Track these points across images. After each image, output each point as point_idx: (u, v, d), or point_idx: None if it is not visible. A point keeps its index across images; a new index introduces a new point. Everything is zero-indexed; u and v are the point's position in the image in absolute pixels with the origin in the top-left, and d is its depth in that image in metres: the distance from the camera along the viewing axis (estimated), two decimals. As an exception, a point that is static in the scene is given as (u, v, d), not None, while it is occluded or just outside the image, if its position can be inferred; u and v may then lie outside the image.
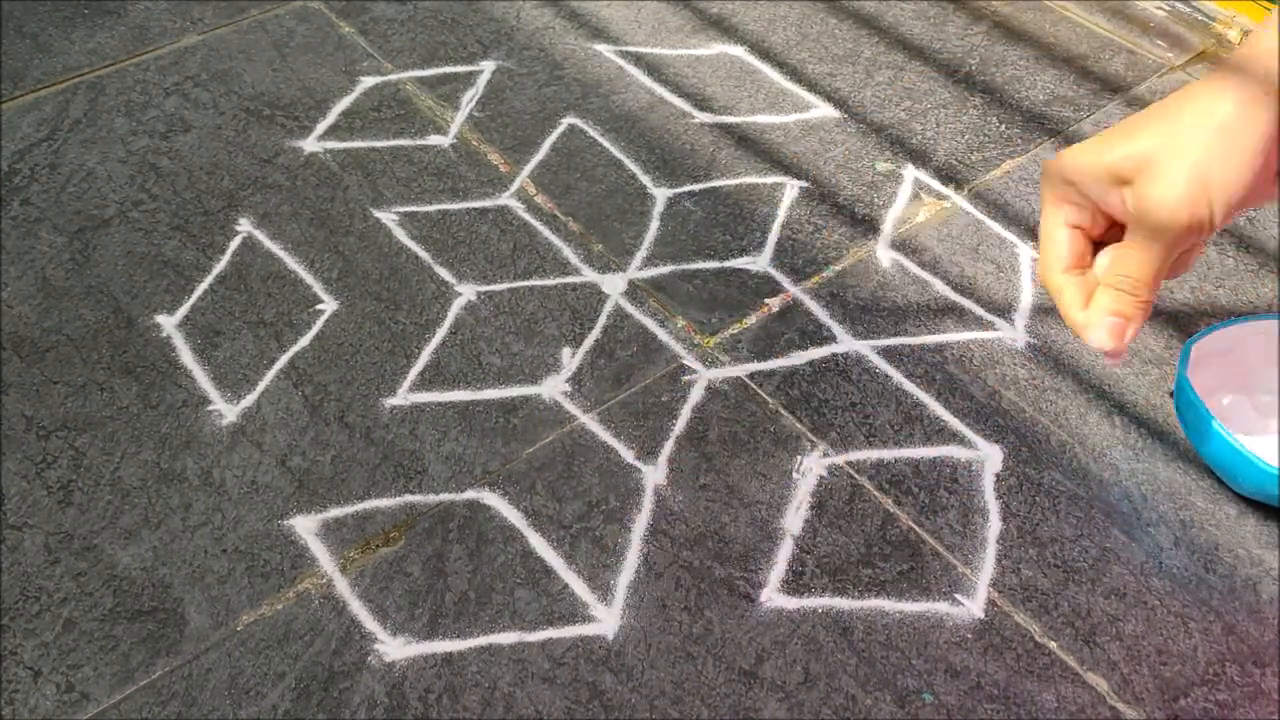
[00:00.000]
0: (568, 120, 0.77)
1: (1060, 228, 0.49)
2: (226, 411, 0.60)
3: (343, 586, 0.53)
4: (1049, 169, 0.49)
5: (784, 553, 0.54)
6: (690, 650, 0.51)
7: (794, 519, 0.56)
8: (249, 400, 0.61)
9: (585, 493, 0.57)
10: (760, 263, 0.68)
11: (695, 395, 0.61)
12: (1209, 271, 0.67)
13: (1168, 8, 0.86)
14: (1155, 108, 0.47)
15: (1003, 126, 0.77)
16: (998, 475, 0.58)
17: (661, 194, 0.72)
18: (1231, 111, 0.44)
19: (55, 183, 0.73)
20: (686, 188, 0.72)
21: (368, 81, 0.80)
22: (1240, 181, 0.44)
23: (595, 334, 0.64)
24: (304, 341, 0.64)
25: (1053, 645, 0.51)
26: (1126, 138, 0.46)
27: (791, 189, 0.72)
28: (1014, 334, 0.64)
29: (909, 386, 0.61)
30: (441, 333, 0.64)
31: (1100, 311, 0.47)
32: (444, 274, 0.67)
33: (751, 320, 0.65)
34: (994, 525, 0.56)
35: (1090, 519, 0.56)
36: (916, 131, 0.76)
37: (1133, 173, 0.46)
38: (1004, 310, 0.65)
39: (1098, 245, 0.48)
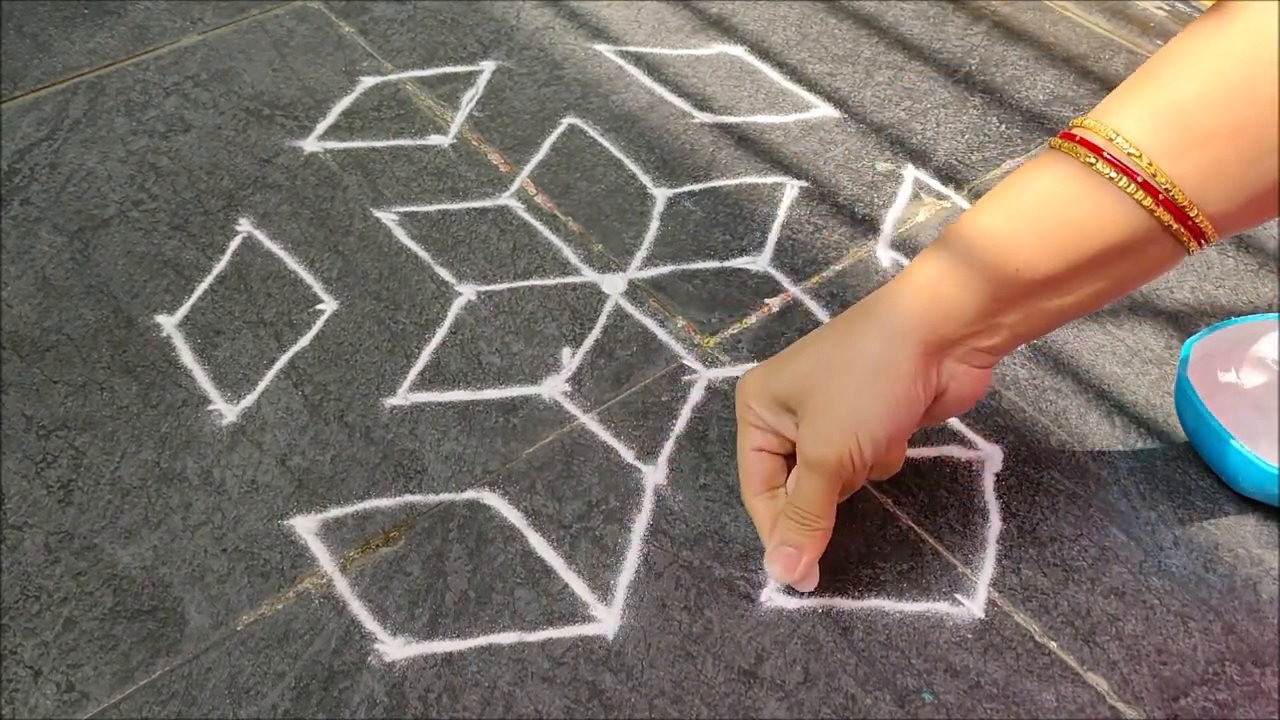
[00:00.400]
0: (568, 120, 0.77)
1: (748, 451, 0.51)
2: (226, 411, 0.60)
3: (343, 586, 0.53)
4: (738, 390, 0.51)
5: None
6: (690, 650, 0.51)
7: (794, 519, 0.56)
8: (249, 400, 0.61)
9: (585, 493, 0.57)
10: (760, 263, 0.68)
11: (695, 395, 0.61)
12: (1209, 271, 0.67)
13: (1168, 8, 0.86)
14: (815, 337, 0.49)
15: (1003, 126, 0.77)
16: (998, 475, 0.58)
17: (661, 194, 0.72)
18: (876, 352, 0.47)
19: (55, 182, 0.73)
20: (686, 188, 0.72)
21: (368, 81, 0.80)
22: (888, 420, 0.46)
23: (595, 334, 0.64)
24: (304, 341, 0.64)
25: (1053, 645, 0.51)
26: (791, 364, 0.49)
27: (791, 189, 0.72)
28: (1014, 334, 0.64)
29: (909, 386, 0.61)
30: (441, 332, 0.64)
31: (775, 542, 0.50)
32: (444, 274, 0.67)
33: (752, 320, 0.65)
34: (994, 525, 0.56)
35: (1090, 518, 0.56)
36: (916, 131, 0.76)
37: (795, 405, 0.48)
38: (1004, 310, 0.65)
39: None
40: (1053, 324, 0.48)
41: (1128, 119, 0.43)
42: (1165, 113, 0.42)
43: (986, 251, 0.45)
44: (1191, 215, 0.43)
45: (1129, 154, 0.43)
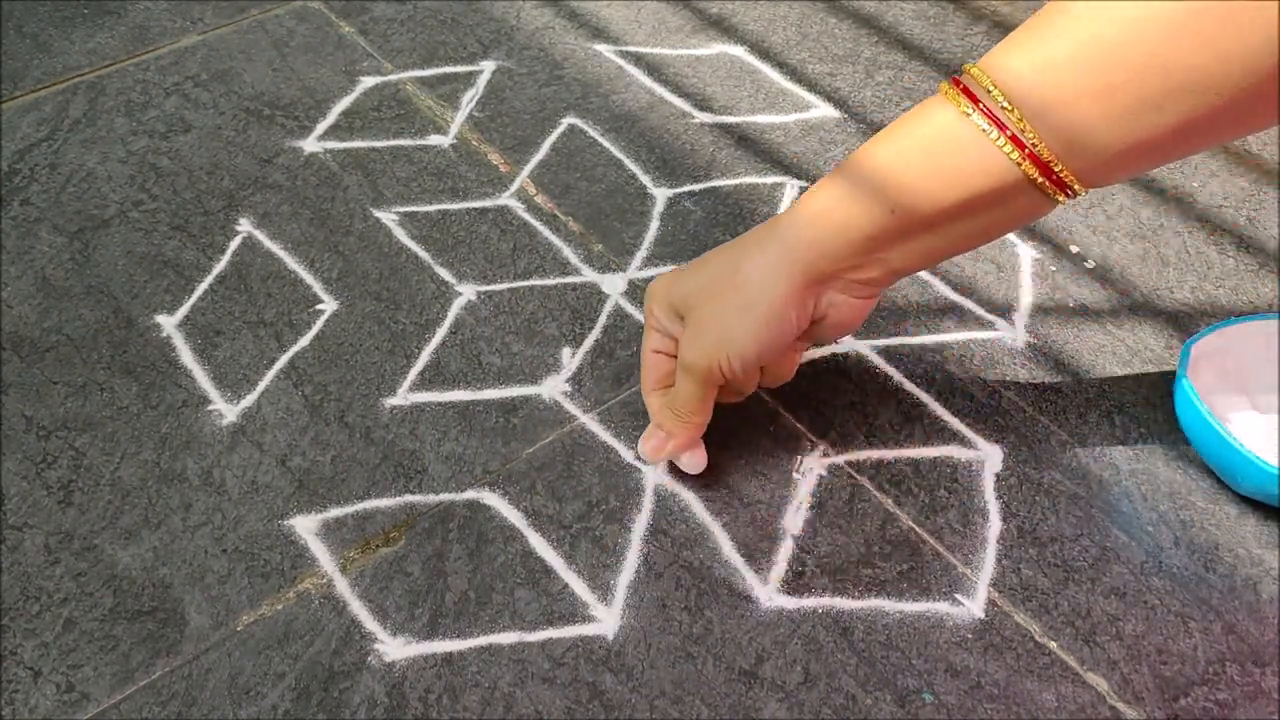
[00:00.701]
0: (568, 120, 0.77)
1: (649, 351, 0.56)
2: (226, 411, 0.60)
3: (343, 586, 0.53)
4: (646, 293, 0.55)
5: (784, 553, 0.54)
6: (690, 650, 0.51)
7: (794, 519, 0.56)
8: (249, 400, 0.61)
9: (585, 493, 0.57)
10: (760, 263, 0.68)
11: (695, 395, 0.61)
12: (1209, 271, 0.67)
13: (1168, 7, 0.86)
14: (716, 253, 0.53)
15: (1003, 126, 0.77)
16: (998, 475, 0.58)
17: (661, 194, 0.72)
18: (757, 281, 0.50)
19: (55, 183, 0.73)
20: (686, 187, 0.72)
21: (368, 81, 0.80)
22: (754, 341, 0.50)
23: (595, 334, 0.64)
24: (304, 341, 0.64)
25: (1053, 645, 0.51)
26: (688, 279, 0.53)
27: (791, 189, 0.72)
28: (1014, 334, 0.64)
29: (909, 386, 0.61)
30: (441, 333, 0.64)
31: (652, 426, 0.56)
32: (444, 274, 0.67)
33: (751, 320, 0.65)
34: (994, 525, 0.56)
35: (1090, 519, 0.56)
36: (916, 131, 0.76)
37: (684, 314, 0.53)
38: (1004, 310, 0.65)
39: None
40: (927, 262, 0.50)
41: (1009, 70, 0.45)
42: (1042, 68, 0.44)
43: (872, 187, 0.48)
44: (1056, 170, 0.45)
45: (1003, 107, 0.45)
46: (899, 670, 0.50)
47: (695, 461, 0.56)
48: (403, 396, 0.61)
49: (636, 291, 0.66)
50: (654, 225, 0.70)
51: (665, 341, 0.55)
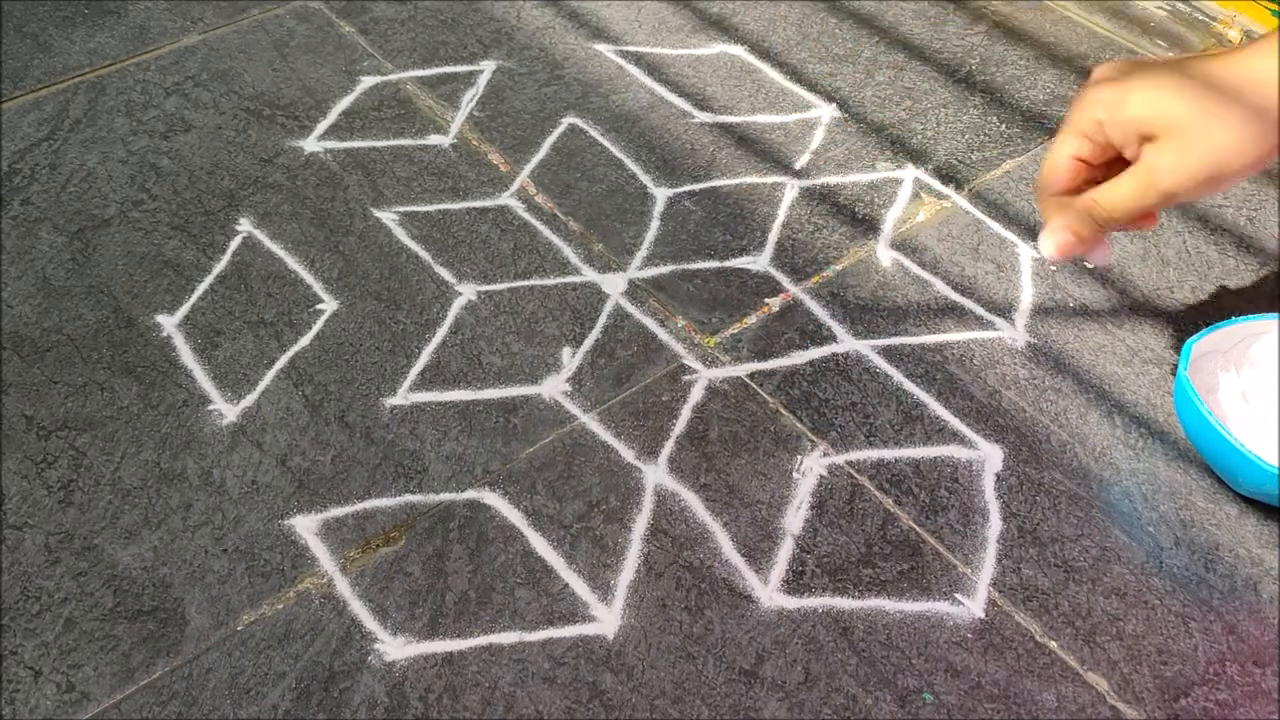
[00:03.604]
0: (568, 120, 0.77)
1: (1066, 155, 0.51)
2: (227, 411, 0.60)
3: (343, 586, 0.53)
4: (1085, 99, 0.50)
5: (784, 552, 0.54)
6: (690, 650, 0.51)
7: (794, 519, 0.56)
8: (249, 400, 0.61)
9: (585, 492, 0.57)
10: (760, 262, 0.68)
11: (695, 395, 0.61)
12: (1209, 271, 0.67)
13: (1168, 8, 0.86)
14: (1197, 67, 0.48)
15: (1003, 126, 0.77)
16: (998, 475, 0.58)
17: (662, 194, 0.72)
18: (1257, 99, 0.46)
19: (55, 183, 0.73)
20: (687, 187, 0.72)
21: (368, 81, 0.80)
22: (1246, 170, 0.47)
23: (595, 334, 0.64)
24: (304, 341, 0.64)
25: (1053, 645, 0.51)
26: (1162, 95, 0.48)
27: (791, 189, 0.72)
28: (1014, 334, 0.64)
29: (909, 386, 0.61)
30: (442, 332, 0.64)
31: (1061, 225, 0.51)
32: (444, 274, 0.67)
33: (752, 320, 0.65)
34: (994, 525, 0.56)
35: (1090, 519, 0.56)
36: (916, 131, 0.76)
37: (1159, 133, 0.48)
38: (1004, 310, 0.65)
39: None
40: None
41: None
42: None
43: None
44: None
45: None
46: (899, 670, 0.50)
47: (1105, 255, 0.52)
48: (403, 396, 0.61)
49: (637, 291, 0.66)
50: (654, 225, 0.70)
51: (1094, 150, 0.50)
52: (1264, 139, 0.47)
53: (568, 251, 0.68)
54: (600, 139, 0.76)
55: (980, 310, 0.65)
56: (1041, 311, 0.65)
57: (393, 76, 0.80)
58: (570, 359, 0.63)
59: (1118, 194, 0.49)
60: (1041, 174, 0.52)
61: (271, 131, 0.76)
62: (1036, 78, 0.80)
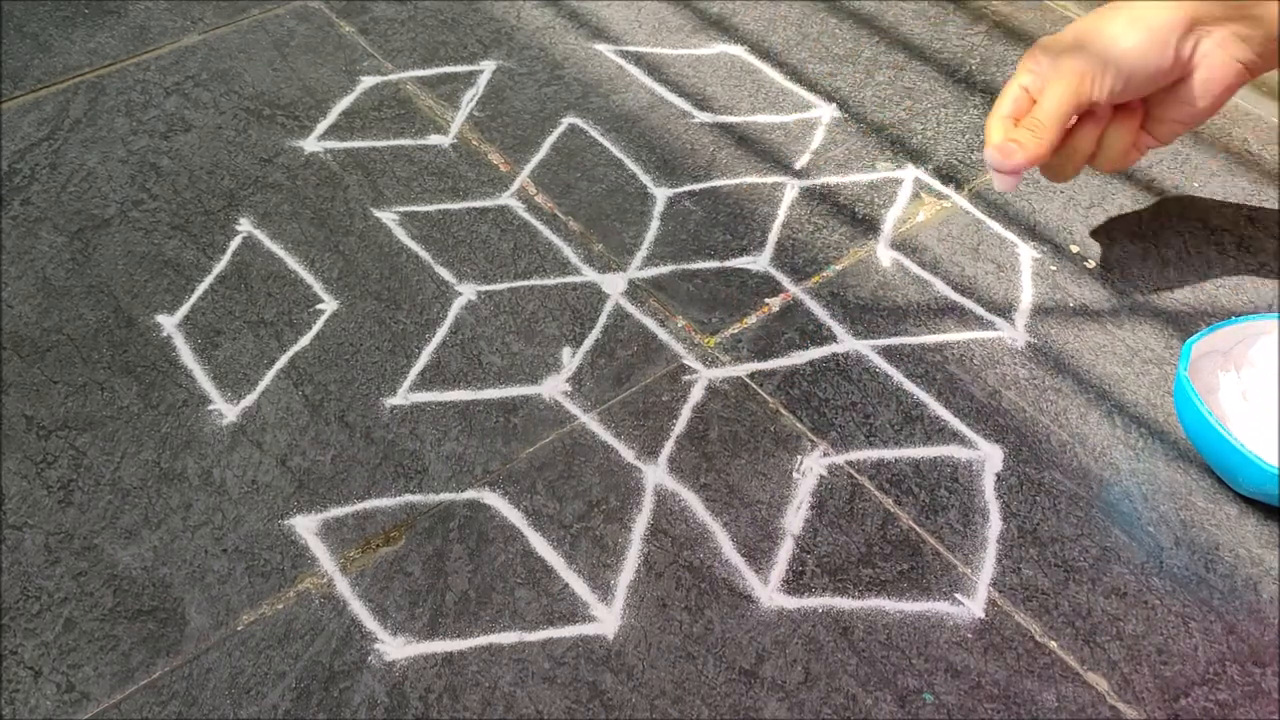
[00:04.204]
0: (568, 120, 0.77)
1: (1015, 84, 0.59)
2: (227, 411, 0.60)
3: (343, 586, 0.53)
4: (1034, 47, 0.59)
5: (784, 552, 0.54)
6: (690, 650, 0.51)
7: (794, 519, 0.56)
8: (249, 400, 0.61)
9: (585, 492, 0.57)
10: (760, 262, 0.68)
11: (695, 395, 0.61)
12: (1209, 271, 0.67)
13: (1168, 8, 0.86)
14: (1108, 8, 0.58)
15: (1003, 126, 0.77)
16: (998, 475, 0.58)
17: (662, 194, 0.72)
18: (1139, 8, 0.56)
19: (55, 182, 0.73)
20: (686, 187, 0.72)
21: (368, 81, 0.80)
22: (1132, 60, 0.55)
23: (595, 334, 0.64)
24: (304, 341, 0.64)
25: (1053, 645, 0.51)
26: (1077, 22, 0.59)
27: (791, 189, 0.72)
28: (1014, 334, 0.64)
29: (909, 386, 0.61)
30: (442, 332, 0.64)
31: (1003, 134, 0.59)
32: (444, 274, 0.67)
33: (752, 320, 0.65)
34: (994, 525, 0.56)
35: (1090, 519, 0.56)
36: (916, 131, 0.76)
37: (1071, 45, 0.57)
38: (1004, 310, 0.65)
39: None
40: None
41: None
42: None
43: None
44: None
45: None
46: (899, 670, 0.50)
47: (1008, 181, 0.59)
48: (403, 396, 0.61)
49: (637, 291, 0.66)
50: (654, 225, 0.70)
51: (1036, 81, 0.58)
52: (1144, 40, 0.56)
53: (568, 251, 0.68)
54: (600, 139, 0.76)
55: (980, 310, 0.65)
56: (1041, 311, 0.65)
57: (393, 76, 0.80)
58: (570, 359, 0.63)
59: (1043, 100, 0.58)
60: (997, 102, 0.60)
61: (271, 131, 0.76)
62: (1036, 78, 0.80)
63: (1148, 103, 0.59)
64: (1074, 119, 0.58)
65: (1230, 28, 0.55)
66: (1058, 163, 0.60)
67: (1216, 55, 0.56)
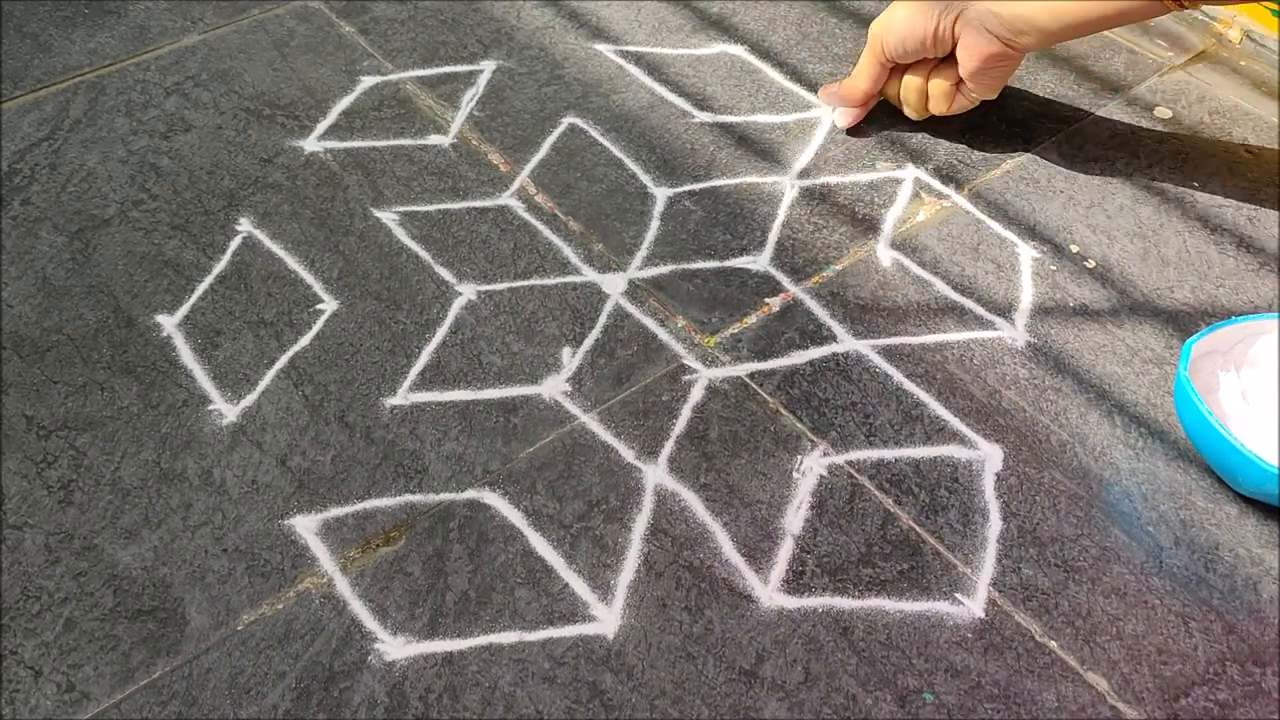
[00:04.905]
0: (568, 120, 0.77)
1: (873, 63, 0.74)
2: (227, 411, 0.60)
3: (343, 586, 0.53)
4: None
5: (784, 552, 0.54)
6: (690, 650, 0.51)
7: (794, 518, 0.56)
8: (249, 400, 0.61)
9: (585, 492, 0.57)
10: (760, 262, 0.68)
11: (695, 395, 0.61)
12: (1209, 271, 0.67)
13: (1168, 7, 0.86)
14: None
15: (1003, 126, 0.77)
16: (998, 475, 0.58)
17: (662, 193, 0.72)
18: None
19: (55, 182, 0.73)
20: (687, 187, 0.72)
21: (368, 81, 0.80)
22: (900, 27, 0.70)
23: (595, 334, 0.64)
24: (304, 341, 0.64)
25: (1053, 645, 0.51)
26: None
27: (791, 189, 0.72)
28: (1014, 334, 0.64)
29: (909, 386, 0.61)
30: (442, 332, 0.64)
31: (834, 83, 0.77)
32: (444, 274, 0.67)
33: (752, 320, 0.65)
34: (994, 525, 0.56)
35: (1090, 518, 0.56)
36: (916, 131, 0.76)
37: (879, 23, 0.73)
38: (1004, 310, 0.65)
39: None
40: (1037, 28, 0.66)
41: None
42: None
43: None
44: None
45: None
46: (899, 670, 0.50)
47: (846, 118, 0.76)
48: (403, 396, 0.61)
49: (637, 291, 0.66)
50: (654, 225, 0.70)
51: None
52: (912, 14, 0.69)
53: (568, 251, 0.68)
54: (600, 139, 0.76)
55: (980, 310, 0.65)
56: (1041, 311, 0.65)
57: (393, 76, 0.80)
58: (570, 359, 0.63)
59: (862, 55, 0.74)
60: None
61: (271, 131, 0.76)
62: (1036, 77, 0.80)
63: (947, 62, 0.72)
64: (889, 69, 0.74)
65: (988, 5, 0.66)
66: (903, 101, 0.74)
67: (972, 34, 0.68)
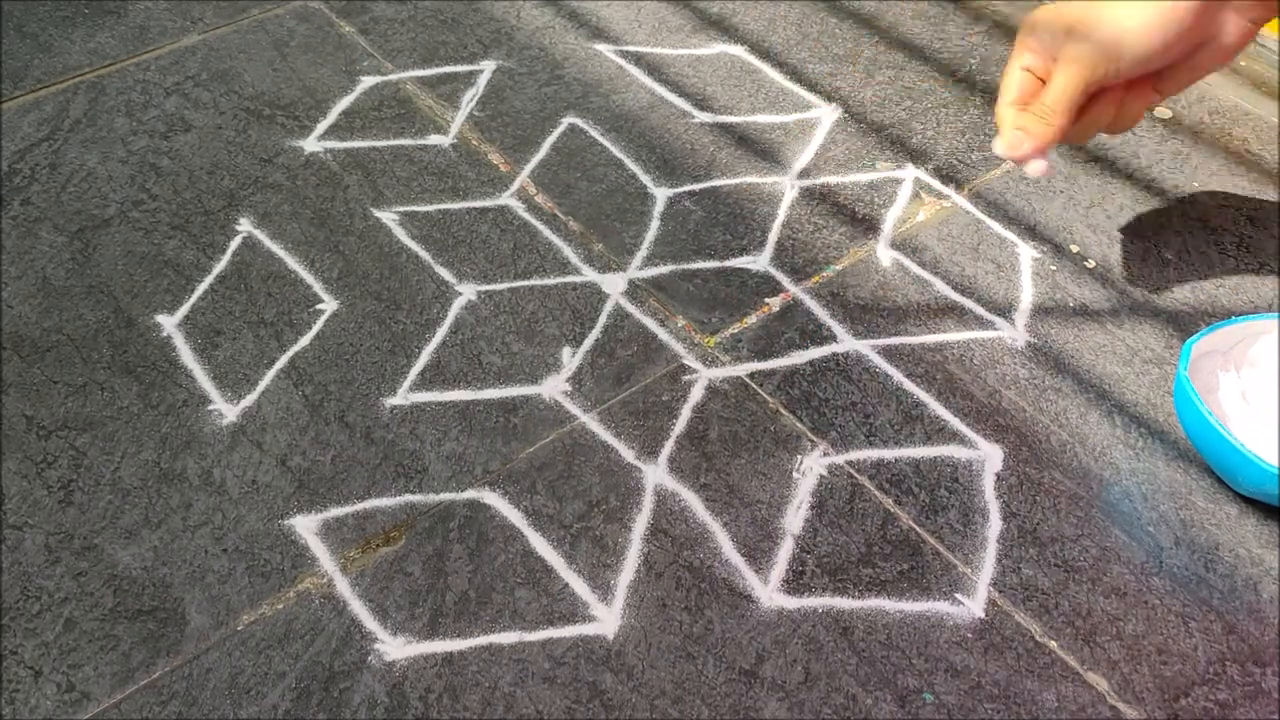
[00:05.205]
0: (568, 120, 0.77)
1: (1017, 68, 0.59)
2: (227, 411, 0.60)
3: (343, 586, 0.53)
4: (1024, 22, 0.59)
5: (784, 552, 0.54)
6: (690, 650, 0.51)
7: (794, 518, 0.56)
8: (249, 400, 0.61)
9: (585, 492, 0.57)
10: (760, 262, 0.68)
11: (695, 395, 0.61)
12: (1209, 271, 0.67)
13: (1168, 7, 0.86)
14: None
15: (1003, 126, 0.77)
16: (998, 475, 0.58)
17: (661, 193, 0.72)
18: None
19: (55, 182, 0.73)
20: (686, 187, 0.72)
21: (368, 81, 0.80)
22: (1149, 36, 0.54)
23: (595, 334, 0.64)
24: (304, 341, 0.64)
25: (1053, 645, 0.51)
26: (1076, 3, 0.56)
27: (791, 189, 0.72)
28: (1014, 334, 0.64)
29: (909, 386, 0.61)
30: (442, 332, 0.64)
31: (1013, 123, 0.58)
32: (444, 274, 0.67)
33: (752, 320, 0.65)
34: (994, 525, 0.56)
35: (1090, 519, 0.56)
36: (916, 131, 0.76)
37: (1074, 27, 0.56)
38: (1004, 310, 0.65)
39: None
40: None
41: None
42: None
43: None
44: None
45: None
46: (899, 670, 0.50)
47: (1040, 167, 0.58)
48: (403, 396, 0.61)
49: (637, 291, 0.66)
50: (654, 225, 0.70)
51: (1037, 61, 0.58)
52: (1156, 20, 0.54)
53: (568, 251, 0.68)
54: (600, 139, 0.76)
55: (980, 310, 0.65)
56: (1041, 311, 0.65)
57: (393, 76, 0.80)
58: (570, 359, 0.63)
59: (1052, 87, 0.57)
60: (1001, 89, 0.59)
61: (271, 131, 0.76)
62: (1036, 78, 0.80)
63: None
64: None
65: None
66: (1075, 134, 0.60)
67: (1233, 27, 0.55)
